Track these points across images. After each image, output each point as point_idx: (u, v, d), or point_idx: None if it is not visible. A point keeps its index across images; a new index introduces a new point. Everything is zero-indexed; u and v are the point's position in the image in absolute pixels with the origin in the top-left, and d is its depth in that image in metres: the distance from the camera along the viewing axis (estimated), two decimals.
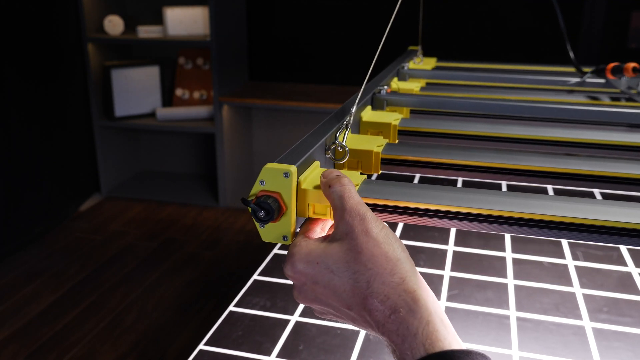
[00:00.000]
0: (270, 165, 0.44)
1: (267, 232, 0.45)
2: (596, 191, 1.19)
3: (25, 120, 2.44)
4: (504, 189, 1.22)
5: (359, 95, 0.62)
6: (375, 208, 0.46)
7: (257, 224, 0.45)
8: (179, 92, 2.99)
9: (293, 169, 0.44)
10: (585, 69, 1.07)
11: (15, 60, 2.37)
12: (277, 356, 0.73)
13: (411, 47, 1.29)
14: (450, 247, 1.00)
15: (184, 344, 1.83)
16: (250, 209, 0.44)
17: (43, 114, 2.54)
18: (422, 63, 1.17)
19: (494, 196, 0.45)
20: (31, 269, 2.27)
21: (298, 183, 0.45)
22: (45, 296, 2.08)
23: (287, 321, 0.80)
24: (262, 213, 0.43)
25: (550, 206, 0.43)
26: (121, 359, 1.76)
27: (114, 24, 2.77)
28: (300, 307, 0.83)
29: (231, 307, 0.83)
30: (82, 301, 2.05)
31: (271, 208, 0.43)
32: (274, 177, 0.44)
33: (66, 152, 2.72)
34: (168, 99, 3.06)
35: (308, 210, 0.46)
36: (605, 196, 1.17)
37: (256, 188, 0.44)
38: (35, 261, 2.33)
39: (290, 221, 0.45)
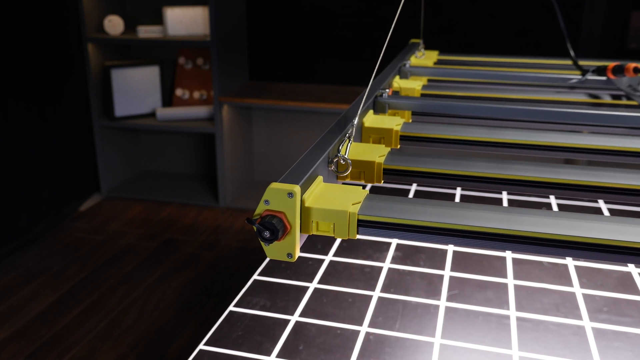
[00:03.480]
0: (274, 185, 0.44)
1: (272, 250, 0.46)
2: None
3: (24, 120, 2.44)
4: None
5: (363, 99, 0.62)
6: (377, 225, 0.47)
7: (262, 243, 0.45)
8: (179, 92, 2.99)
9: (297, 189, 0.44)
10: (583, 62, 1.08)
11: (15, 60, 2.37)
12: (277, 356, 0.73)
13: (413, 40, 1.30)
14: (451, 247, 1.00)
15: (184, 344, 1.83)
16: (255, 229, 0.44)
17: (43, 113, 2.54)
18: (424, 57, 1.18)
19: (495, 213, 0.45)
20: (31, 269, 2.27)
21: (302, 201, 0.46)
22: (45, 296, 2.08)
23: (287, 321, 0.80)
24: (267, 233, 0.44)
25: (555, 224, 0.43)
26: (121, 359, 1.76)
27: (114, 24, 2.76)
28: (300, 307, 0.83)
29: (231, 307, 0.83)
30: (82, 301, 2.05)
31: (276, 228, 0.44)
32: (278, 197, 0.44)
33: (66, 152, 2.72)
34: (168, 99, 3.06)
35: (312, 228, 0.47)
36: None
37: (261, 208, 0.45)
38: (35, 261, 2.33)
39: (294, 239, 0.45)
